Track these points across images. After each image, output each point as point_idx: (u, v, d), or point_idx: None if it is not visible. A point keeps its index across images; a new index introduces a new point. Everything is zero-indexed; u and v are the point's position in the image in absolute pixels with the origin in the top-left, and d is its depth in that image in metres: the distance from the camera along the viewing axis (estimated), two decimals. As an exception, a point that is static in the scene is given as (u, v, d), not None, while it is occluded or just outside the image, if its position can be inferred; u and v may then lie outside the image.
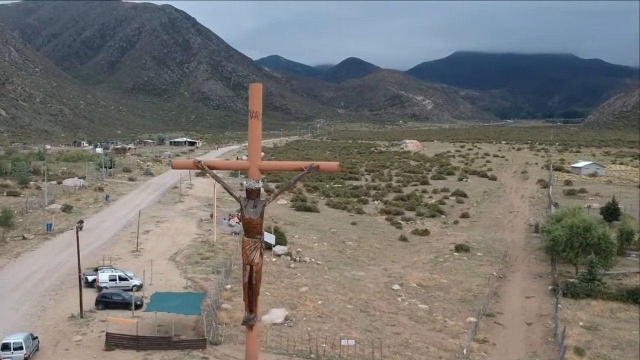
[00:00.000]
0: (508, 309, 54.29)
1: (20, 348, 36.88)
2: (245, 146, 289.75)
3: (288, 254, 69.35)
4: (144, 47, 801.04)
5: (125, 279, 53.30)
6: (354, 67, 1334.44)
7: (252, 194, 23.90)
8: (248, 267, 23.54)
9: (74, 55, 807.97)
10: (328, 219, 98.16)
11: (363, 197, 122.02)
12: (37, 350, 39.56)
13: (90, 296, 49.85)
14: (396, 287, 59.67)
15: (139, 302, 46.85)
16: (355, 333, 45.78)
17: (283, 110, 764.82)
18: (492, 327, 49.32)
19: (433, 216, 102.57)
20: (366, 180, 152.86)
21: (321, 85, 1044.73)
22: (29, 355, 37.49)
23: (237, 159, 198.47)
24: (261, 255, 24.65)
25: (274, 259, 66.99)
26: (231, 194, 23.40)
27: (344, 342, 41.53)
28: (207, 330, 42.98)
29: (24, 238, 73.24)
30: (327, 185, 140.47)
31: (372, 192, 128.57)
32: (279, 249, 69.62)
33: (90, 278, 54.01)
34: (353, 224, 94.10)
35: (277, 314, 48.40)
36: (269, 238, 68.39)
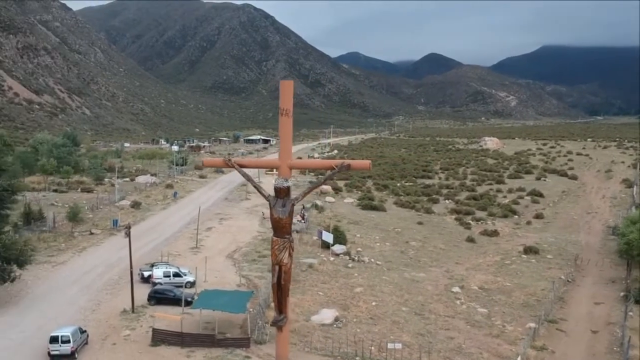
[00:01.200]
0: (573, 315, 51.68)
1: (68, 341, 37.97)
2: (319, 143, 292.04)
3: (347, 253, 68.77)
4: (223, 46, 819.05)
5: (179, 276, 54.22)
6: (435, 63, 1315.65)
7: (280, 192, 23.58)
8: (277, 267, 23.28)
9: (156, 55, 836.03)
10: (394, 218, 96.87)
11: (434, 196, 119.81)
12: (86, 344, 40.74)
13: (145, 292, 51.09)
14: (456, 289, 58.01)
15: (189, 299, 47.45)
16: (406, 336, 44.76)
17: (361, 108, 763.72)
18: (554, 334, 47.05)
19: (505, 216, 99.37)
20: (439, 178, 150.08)
21: (401, 81, 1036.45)
22: (76, 349, 38.58)
23: (309, 157, 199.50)
24: (290, 255, 24.26)
25: (332, 258, 66.63)
26: (260, 192, 23.19)
27: (390, 345, 40.60)
28: (253, 329, 43.02)
29: (91, 233, 75.94)
30: (399, 184, 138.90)
31: (444, 191, 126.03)
32: (337, 248, 69.15)
33: (146, 274, 55.35)
34: (419, 223, 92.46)
35: (326, 315, 47.95)
36: (327, 237, 68.22)
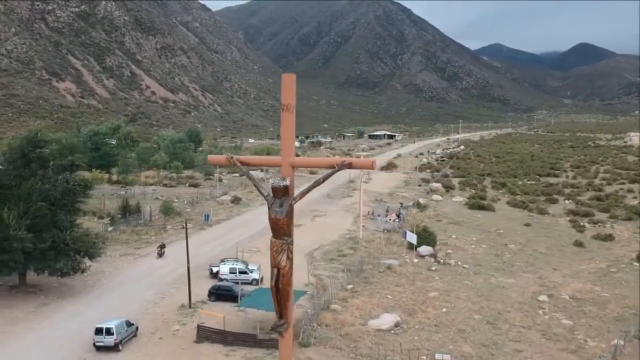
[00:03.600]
0: (672, 334, 46.04)
1: (111, 333, 39.20)
2: (447, 139, 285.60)
3: (433, 255, 66.09)
4: (357, 41, 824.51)
5: (245, 272, 54.56)
6: (584, 53, 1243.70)
7: (277, 192, 22.62)
8: (275, 270, 22.47)
9: (291, 52, 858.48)
10: (501, 219, 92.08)
11: (554, 195, 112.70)
12: (135, 336, 41.95)
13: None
14: (543, 298, 53.77)
15: (247, 296, 47.52)
16: (467, 346, 42.01)
17: (501, 101, 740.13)
18: (642, 354, 42.15)
19: (629, 219, 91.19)
20: (566, 177, 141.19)
21: (545, 74, 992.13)
22: (121, 341, 39.76)
23: (429, 153, 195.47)
24: (288, 258, 23.22)
25: (415, 260, 64.35)
26: (259, 191, 22.37)
27: (438, 356, 38.25)
28: (303, 331, 42.22)
29: (183, 227, 78.46)
30: (520, 182, 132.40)
31: (567, 191, 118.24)
32: (423, 249, 66.66)
33: (215, 269, 56.27)
34: (527, 225, 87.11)
35: (386, 320, 46.12)
36: (411, 238, 65.97)
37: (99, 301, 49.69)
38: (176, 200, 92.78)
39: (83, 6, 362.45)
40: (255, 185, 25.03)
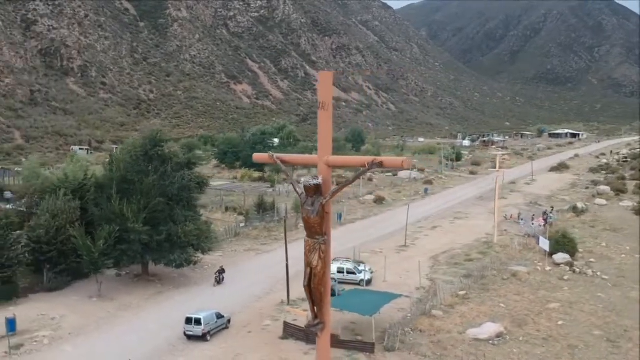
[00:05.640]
0: None
1: (200, 324, 41.47)
2: (636, 139, 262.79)
3: (569, 263, 61.55)
4: (549, 33, 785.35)
5: (353, 273, 54.72)
6: None
7: (308, 191, 23.93)
8: (308, 270, 22.96)
9: (476, 47, 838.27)
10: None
11: None
12: (226, 328, 44.04)
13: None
14: (687, 317, 48.03)
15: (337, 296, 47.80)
16: (571, 365, 38.88)
17: None
18: None
19: None
20: None
21: None
22: (209, 332, 41.94)
23: (612, 152, 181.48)
24: (321, 258, 23.84)
25: (547, 268, 60.46)
26: (295, 189, 23.14)
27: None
28: (393, 335, 41.60)
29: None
30: None
31: None
32: (559, 257, 62.36)
33: (325, 268, 56.98)
34: None
35: (487, 329, 43.91)
36: (544, 244, 62.14)
37: (208, 293, 52.59)
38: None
39: (262, 11, 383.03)
40: (291, 184, 25.52)
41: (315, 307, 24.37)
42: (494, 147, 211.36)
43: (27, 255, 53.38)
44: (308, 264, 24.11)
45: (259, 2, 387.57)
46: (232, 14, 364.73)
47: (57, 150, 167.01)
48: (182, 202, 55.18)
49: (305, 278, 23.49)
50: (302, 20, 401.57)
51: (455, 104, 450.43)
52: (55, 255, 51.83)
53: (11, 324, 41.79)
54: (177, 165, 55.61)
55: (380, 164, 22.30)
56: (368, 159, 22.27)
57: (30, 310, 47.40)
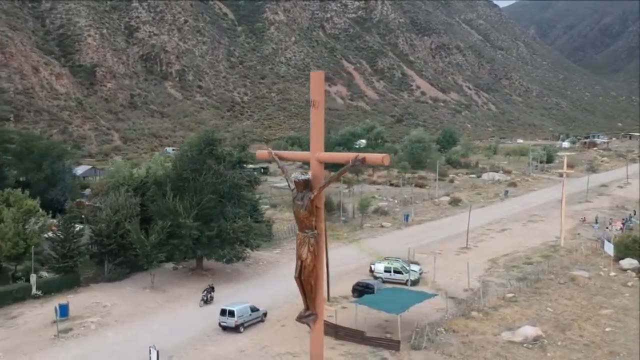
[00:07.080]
0: None
1: (233, 315, 43.41)
2: None
3: (637, 269, 59.16)
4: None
5: (400, 272, 55.08)
6: None
7: (298, 186, 26.36)
8: (299, 262, 24.53)
9: (589, 45, 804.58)
10: None
11: None
12: (262, 321, 45.87)
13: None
14: None
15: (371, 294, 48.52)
16: (606, 372, 37.84)
17: None
18: None
19: None
20: None
21: None
22: (242, 324, 43.83)
23: None
24: (310, 251, 25.70)
25: (612, 274, 58.60)
26: (288, 184, 24.65)
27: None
28: (421, 334, 41.92)
29: (381, 226, 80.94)
30: None
31: None
32: (627, 262, 60.15)
33: (373, 267, 57.75)
34: None
35: (524, 332, 43.24)
36: (608, 248, 60.23)
37: (254, 287, 54.55)
38: (390, 200, 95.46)
39: (360, 12, 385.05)
40: (286, 179, 27.45)
41: (307, 299, 25.95)
42: (594, 148, 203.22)
43: (90, 247, 57.55)
44: (298, 256, 25.81)
45: (356, 2, 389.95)
46: (328, 15, 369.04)
47: (151, 151, 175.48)
48: (233, 199, 57.42)
49: (296, 270, 25.17)
50: (401, 20, 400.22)
51: (562, 104, 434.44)
52: (115, 248, 55.63)
53: (63, 310, 45.39)
54: (229, 164, 57.95)
55: (363, 161, 23.62)
56: (352, 155, 23.62)
57: (87, 298, 51.15)
